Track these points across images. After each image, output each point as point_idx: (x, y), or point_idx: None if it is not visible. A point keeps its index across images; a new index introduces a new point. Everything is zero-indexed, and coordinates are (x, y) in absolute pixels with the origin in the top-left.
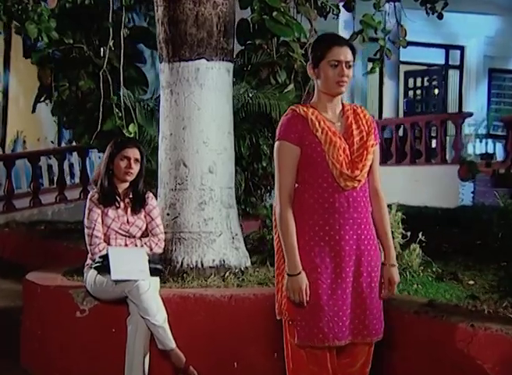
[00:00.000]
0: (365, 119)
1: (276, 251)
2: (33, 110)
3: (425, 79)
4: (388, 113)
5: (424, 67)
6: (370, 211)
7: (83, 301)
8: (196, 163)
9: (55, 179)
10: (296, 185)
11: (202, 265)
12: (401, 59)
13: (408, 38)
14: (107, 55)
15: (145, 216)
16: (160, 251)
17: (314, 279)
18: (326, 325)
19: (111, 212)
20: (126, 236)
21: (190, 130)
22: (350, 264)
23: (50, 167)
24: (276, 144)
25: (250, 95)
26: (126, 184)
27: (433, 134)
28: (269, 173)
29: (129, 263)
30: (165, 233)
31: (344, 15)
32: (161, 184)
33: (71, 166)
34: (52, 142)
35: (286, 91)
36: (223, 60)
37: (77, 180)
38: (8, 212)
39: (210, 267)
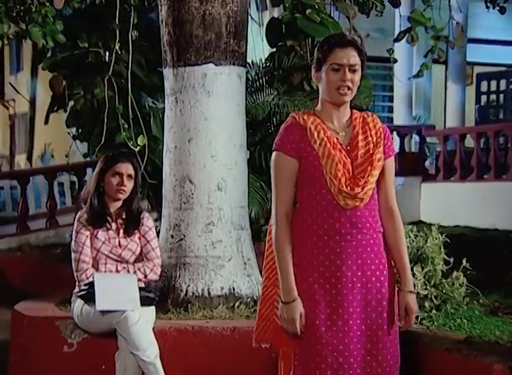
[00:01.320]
0: (375, 129)
1: (264, 273)
2: (46, 121)
3: (502, 82)
4: (452, 122)
5: (501, 68)
6: (380, 232)
7: (72, 333)
8: (203, 179)
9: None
10: (297, 204)
11: (209, 293)
12: (468, 60)
13: (478, 35)
14: (113, 60)
15: (140, 239)
16: (156, 277)
17: (312, 308)
18: (324, 360)
19: (101, 234)
20: (117, 261)
21: (196, 143)
22: (355, 292)
23: (73, 184)
24: (273, 155)
25: (279, 103)
26: (119, 203)
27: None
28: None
29: (118, 291)
30: (169, 257)
31: (403, 10)
32: (165, 203)
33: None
34: (66, 156)
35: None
36: (234, 64)
37: None
38: (22, 234)
39: (218, 296)
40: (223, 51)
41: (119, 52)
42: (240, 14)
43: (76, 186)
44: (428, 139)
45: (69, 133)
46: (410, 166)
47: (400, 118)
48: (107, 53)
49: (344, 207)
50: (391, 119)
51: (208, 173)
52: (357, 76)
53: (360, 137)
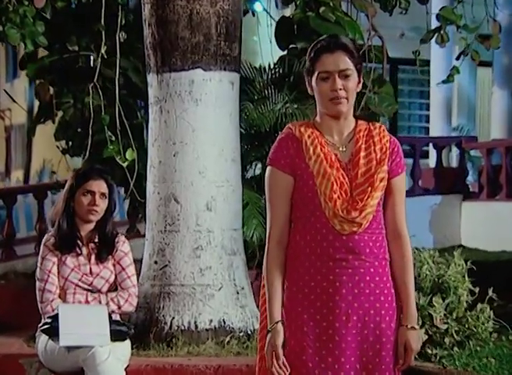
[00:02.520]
0: (380, 144)
1: (261, 306)
2: (33, 133)
3: None
4: (497, 132)
5: None
6: (384, 259)
7: (37, 373)
8: (190, 198)
9: None
10: (292, 224)
11: (196, 327)
12: None
13: None
14: (99, 65)
15: (114, 266)
16: (131, 309)
17: (299, 340)
18: None
19: (70, 261)
20: (88, 290)
21: (182, 157)
22: (349, 326)
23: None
24: (266, 170)
25: (288, 112)
26: (91, 225)
27: None
28: None
29: (85, 325)
30: (152, 286)
31: (435, 7)
32: (149, 225)
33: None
34: (54, 173)
35: None
36: (225, 70)
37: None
38: (8, 260)
39: (206, 330)
40: (213, 55)
41: (105, 56)
42: (231, 13)
43: None
44: (471, 152)
45: (57, 146)
46: (449, 182)
47: (436, 128)
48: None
49: (340, 232)
50: (428, 130)
51: (195, 191)
52: (352, 82)
53: (362, 154)
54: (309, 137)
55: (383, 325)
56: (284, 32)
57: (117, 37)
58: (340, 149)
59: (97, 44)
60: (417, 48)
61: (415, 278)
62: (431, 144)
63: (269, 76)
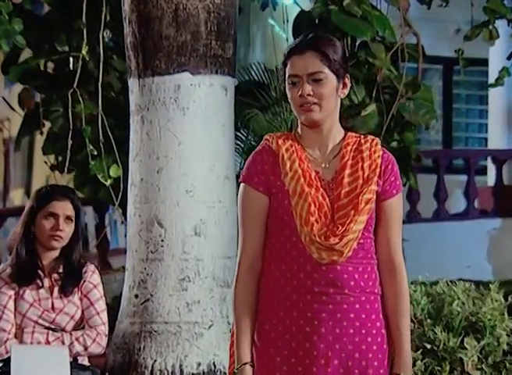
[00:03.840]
0: (370, 160)
1: (229, 349)
2: (17, 147)
3: None
4: None
5: None
6: (373, 293)
7: None
8: (176, 221)
9: None
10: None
11: (182, 371)
12: None
13: None
14: (79, 68)
15: (81, 300)
16: (99, 350)
17: None
18: None
19: (28, 294)
20: (49, 328)
21: (167, 174)
22: (329, 371)
23: None
24: (240, 187)
25: None
26: (54, 253)
27: None
28: None
29: (41, 370)
30: (132, 324)
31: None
32: (129, 253)
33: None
34: None
35: (364, 114)
36: (216, 73)
37: (93, 245)
38: None
39: (193, 374)
40: (202, 56)
41: (87, 58)
42: (224, 8)
43: None
44: None
45: (45, 162)
46: (511, 203)
47: (496, 139)
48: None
49: (318, 261)
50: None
51: (182, 213)
52: (325, 88)
53: (348, 171)
54: (287, 150)
55: (370, 371)
56: (302, 29)
57: (100, 36)
58: (323, 165)
59: (91, 44)
60: (482, 45)
61: (445, 316)
62: (489, 158)
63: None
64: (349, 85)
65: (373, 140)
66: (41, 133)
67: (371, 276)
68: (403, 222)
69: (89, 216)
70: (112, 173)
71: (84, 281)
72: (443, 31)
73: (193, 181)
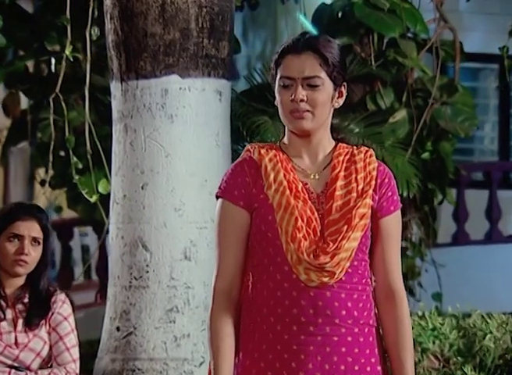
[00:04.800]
0: (364, 172)
1: None
2: (3, 160)
3: None
4: None
5: None
6: (368, 324)
7: None
8: (163, 244)
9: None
10: (248, 275)
11: None
12: None
13: None
14: (63, 70)
15: (49, 334)
16: None
17: None
18: None
19: None
20: (12, 367)
21: (153, 190)
22: None
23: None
24: (217, 203)
25: None
26: (19, 281)
27: None
28: None
29: None
30: (112, 360)
31: None
32: (111, 279)
33: (83, 249)
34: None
35: (392, 121)
36: (209, 76)
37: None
38: None
39: None
40: (193, 57)
41: (71, 59)
42: (218, 2)
43: (58, 254)
44: None
45: (35, 177)
46: None
47: None
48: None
49: (307, 284)
50: None
51: (170, 235)
52: (321, 94)
53: (340, 183)
54: (270, 160)
55: None
56: (322, 24)
57: (87, 34)
58: (312, 177)
59: (85, 43)
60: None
61: (476, 353)
62: None
63: None
64: (345, 95)
65: (367, 151)
66: (30, 143)
67: (366, 305)
68: (448, 244)
69: (90, 237)
70: (100, 189)
71: (53, 313)
72: (500, 26)
73: (183, 198)
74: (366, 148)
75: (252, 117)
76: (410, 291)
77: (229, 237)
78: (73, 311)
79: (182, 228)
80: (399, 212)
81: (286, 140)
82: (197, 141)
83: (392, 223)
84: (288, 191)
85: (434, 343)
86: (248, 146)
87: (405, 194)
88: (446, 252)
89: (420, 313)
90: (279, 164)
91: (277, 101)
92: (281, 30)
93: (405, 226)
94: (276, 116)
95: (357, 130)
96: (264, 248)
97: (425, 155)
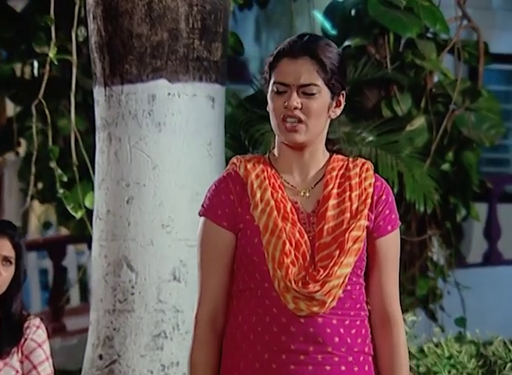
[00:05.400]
0: (360, 189)
1: None
2: None
3: None
4: None
5: None
6: (363, 353)
7: None
8: (149, 264)
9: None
10: (233, 300)
11: None
12: None
13: None
14: (46, 74)
15: (21, 362)
16: None
17: None
18: None
19: None
20: None
21: (139, 205)
22: None
23: (44, 273)
24: (200, 222)
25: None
26: None
27: None
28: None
29: None
30: None
31: None
32: (93, 303)
33: (80, 268)
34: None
35: (410, 129)
36: (201, 80)
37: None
38: None
39: None
40: (182, 60)
41: (55, 62)
42: (209, 0)
43: (51, 275)
44: None
45: (22, 190)
46: None
47: None
48: None
49: (296, 313)
50: None
51: (157, 253)
52: (317, 103)
53: (333, 202)
54: (257, 176)
55: None
56: (334, 24)
57: (73, 35)
58: (302, 194)
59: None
60: None
61: None
62: None
63: None
64: (343, 104)
65: (363, 164)
66: (17, 153)
67: (361, 331)
68: (479, 264)
69: (88, 256)
70: (87, 203)
71: (26, 339)
72: None
73: (171, 214)
74: (362, 161)
75: (256, 125)
76: (431, 316)
77: (213, 260)
78: (48, 337)
79: (170, 246)
80: (397, 232)
81: (276, 152)
82: (187, 150)
83: (390, 243)
84: (275, 212)
85: (450, 372)
86: (234, 159)
87: (422, 209)
88: (477, 273)
89: (435, 340)
90: (267, 181)
91: (269, 108)
92: (296, 30)
93: (425, 244)
94: None
95: (370, 138)
96: (250, 273)
97: (445, 166)
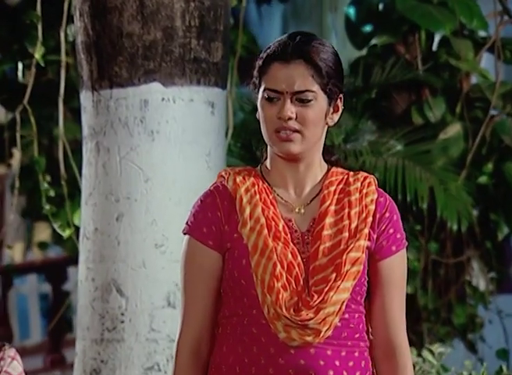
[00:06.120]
0: (360, 206)
1: None
2: None
3: None
4: None
5: None
6: None
7: None
8: (141, 288)
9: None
10: (218, 329)
11: None
12: None
13: None
14: (32, 78)
15: None
16: None
17: None
18: None
19: None
20: None
21: (130, 222)
22: None
23: (43, 298)
24: (184, 240)
25: (357, 149)
26: None
27: None
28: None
29: None
30: None
31: None
32: (79, 331)
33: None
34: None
35: (443, 137)
36: (198, 83)
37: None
38: None
39: None
40: (178, 61)
41: (42, 64)
42: None
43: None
44: None
45: (12, 204)
46: None
47: None
48: None
49: (287, 343)
50: None
51: (150, 277)
52: (313, 112)
53: (330, 220)
54: (247, 191)
55: None
56: (360, 20)
57: (62, 35)
58: (296, 211)
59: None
60: None
61: None
62: None
63: None
64: (341, 109)
65: (365, 178)
66: (9, 165)
67: (359, 363)
68: None
69: None
70: (76, 221)
71: (0, 371)
72: None
73: (166, 232)
74: (364, 175)
75: None
76: (470, 347)
77: (198, 282)
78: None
79: (164, 268)
80: (403, 253)
81: (268, 164)
82: (183, 162)
83: (394, 265)
84: (266, 231)
85: None
86: (222, 171)
87: (455, 227)
88: None
89: (466, 374)
90: (257, 196)
91: (259, 116)
92: (328, 27)
93: (462, 267)
94: None
95: (397, 148)
96: (237, 298)
97: (483, 178)
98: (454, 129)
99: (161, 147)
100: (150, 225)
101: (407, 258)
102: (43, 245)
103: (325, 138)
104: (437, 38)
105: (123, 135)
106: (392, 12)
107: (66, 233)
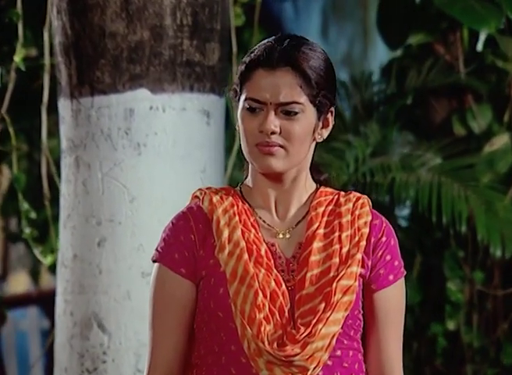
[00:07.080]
0: (352, 229)
1: None
2: None
3: None
4: None
5: None
6: None
7: None
8: (126, 323)
9: None
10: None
11: None
12: None
13: None
14: (13, 82)
15: None
16: None
17: None
18: None
19: None
20: None
21: (113, 248)
22: None
23: (44, 335)
24: (154, 268)
25: (391, 162)
26: None
27: None
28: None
29: None
30: None
31: None
32: (57, 371)
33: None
34: None
35: (490, 149)
36: (191, 90)
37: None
38: None
39: None
40: (168, 65)
41: (22, 68)
42: None
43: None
44: None
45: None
46: None
47: None
48: None
49: None
50: None
51: (135, 310)
52: (300, 125)
53: (318, 244)
54: (225, 212)
55: None
56: (391, 18)
57: (45, 35)
58: (281, 236)
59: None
60: None
61: None
62: None
63: (366, 97)
64: (332, 124)
65: (358, 198)
66: None
67: None
68: None
69: None
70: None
71: None
72: None
73: None
74: (357, 195)
75: None
76: None
77: (167, 316)
78: None
79: None
80: (401, 283)
81: (249, 182)
82: (174, 179)
83: (392, 297)
84: (246, 255)
85: None
86: (197, 191)
87: (498, 253)
88: None
89: None
90: (237, 218)
91: (239, 128)
92: (370, 27)
93: (510, 301)
94: (333, 137)
95: (433, 162)
96: (213, 333)
97: None
98: (502, 140)
99: (148, 162)
100: (136, 251)
101: (405, 292)
102: (35, 275)
103: (314, 155)
104: (482, 37)
105: (106, 149)
106: (430, 6)
107: (48, 261)
